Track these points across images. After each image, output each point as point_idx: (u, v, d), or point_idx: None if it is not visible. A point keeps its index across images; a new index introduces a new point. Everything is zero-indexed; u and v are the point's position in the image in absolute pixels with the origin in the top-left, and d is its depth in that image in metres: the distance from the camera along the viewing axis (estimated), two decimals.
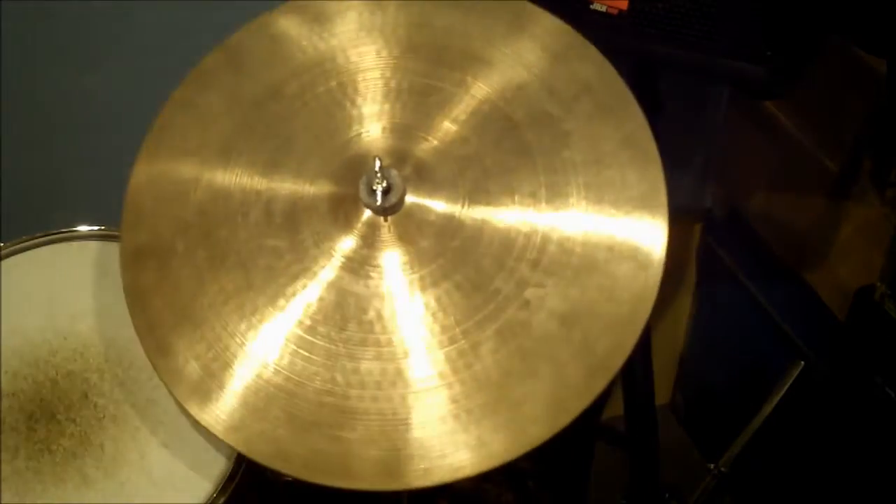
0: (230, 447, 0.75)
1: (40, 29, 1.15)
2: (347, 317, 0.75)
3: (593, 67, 0.81)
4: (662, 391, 1.70)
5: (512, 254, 0.75)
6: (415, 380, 0.72)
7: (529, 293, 0.74)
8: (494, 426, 0.70)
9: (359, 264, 0.77)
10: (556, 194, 0.77)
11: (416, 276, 0.76)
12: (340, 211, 0.79)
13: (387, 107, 0.83)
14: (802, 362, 1.14)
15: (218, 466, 0.82)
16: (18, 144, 1.23)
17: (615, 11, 0.89)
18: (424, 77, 0.83)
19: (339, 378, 0.73)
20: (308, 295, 0.76)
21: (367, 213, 0.78)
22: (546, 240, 0.76)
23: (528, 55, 0.82)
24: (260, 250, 0.78)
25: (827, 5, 0.88)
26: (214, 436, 0.73)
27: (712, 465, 1.17)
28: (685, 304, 1.59)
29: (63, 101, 1.22)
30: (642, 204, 0.75)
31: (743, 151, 1.40)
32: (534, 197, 0.77)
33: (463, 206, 0.77)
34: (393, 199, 0.76)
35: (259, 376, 0.74)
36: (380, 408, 0.71)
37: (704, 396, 1.64)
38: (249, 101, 0.84)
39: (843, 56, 1.09)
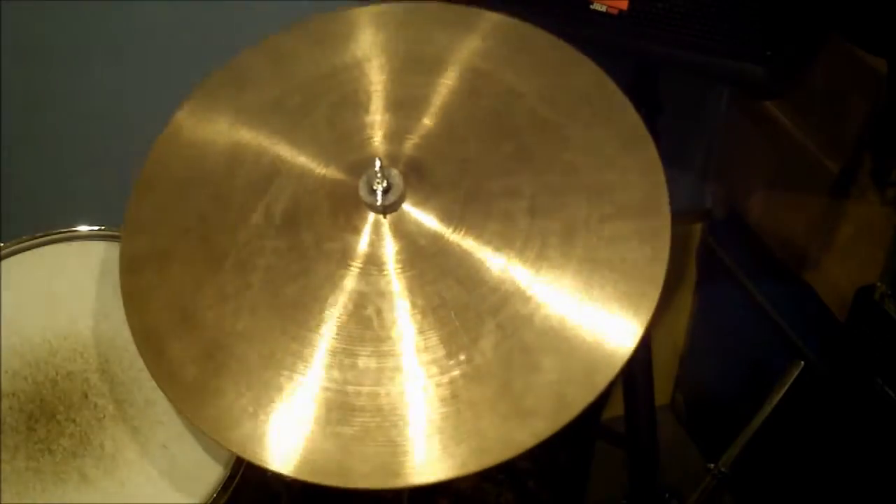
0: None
1: (40, 29, 1.15)
2: (346, 313, 0.75)
3: (591, 79, 0.82)
4: (662, 391, 1.70)
5: (514, 247, 0.76)
6: (414, 376, 0.72)
7: (531, 288, 0.74)
8: (497, 421, 0.70)
9: (358, 262, 0.77)
10: (555, 196, 0.77)
11: (415, 272, 0.76)
12: (341, 211, 0.79)
13: (387, 116, 0.84)
14: (802, 362, 1.14)
15: (217, 467, 0.82)
16: (18, 144, 1.23)
17: (615, 11, 0.89)
18: (421, 88, 0.85)
19: (336, 374, 0.73)
20: (307, 293, 0.76)
21: (367, 213, 0.78)
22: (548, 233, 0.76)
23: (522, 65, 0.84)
24: (260, 252, 0.78)
25: (827, 5, 0.88)
26: None
27: (712, 465, 1.16)
28: (685, 304, 1.59)
29: (63, 101, 1.22)
30: (644, 208, 0.76)
31: (743, 151, 1.40)
32: (533, 199, 0.77)
33: (463, 207, 0.78)
34: (392, 198, 0.77)
35: (255, 376, 0.74)
36: (378, 404, 0.71)
37: (704, 396, 1.64)
38: (253, 112, 0.86)
39: (843, 56, 1.09)
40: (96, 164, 1.27)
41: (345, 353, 0.74)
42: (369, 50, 0.88)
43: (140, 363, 0.85)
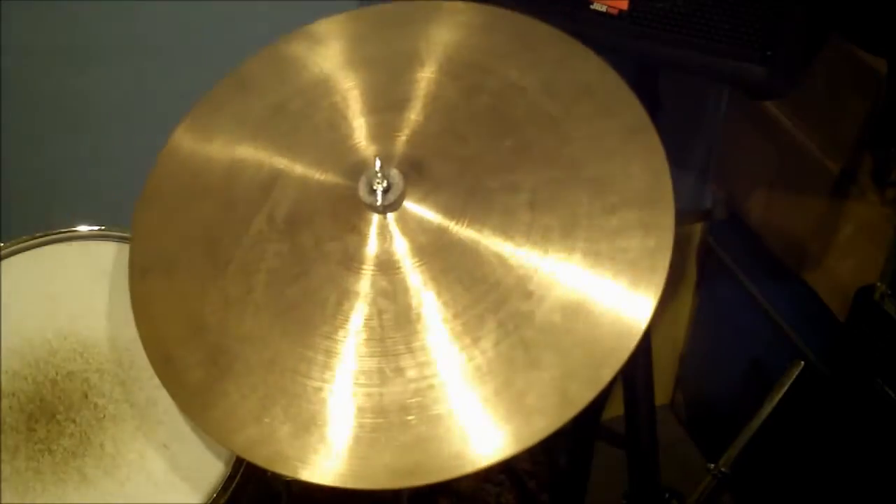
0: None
1: (40, 29, 1.15)
2: (348, 314, 0.75)
3: (593, 71, 0.82)
4: (662, 391, 1.70)
5: (515, 241, 0.75)
6: (414, 375, 0.72)
7: (532, 284, 0.74)
8: (499, 419, 0.70)
9: (359, 263, 0.77)
10: (556, 189, 0.77)
11: (416, 271, 0.76)
12: (341, 212, 0.79)
13: (388, 116, 0.84)
14: (802, 362, 1.14)
15: (218, 466, 0.82)
16: (18, 144, 1.23)
17: (615, 11, 0.89)
18: (411, 84, 0.85)
19: (338, 376, 0.73)
20: (309, 295, 0.76)
21: (367, 213, 0.78)
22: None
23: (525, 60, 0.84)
24: (262, 255, 0.79)
25: (827, 5, 0.88)
26: None
27: (712, 465, 1.17)
28: (685, 304, 1.59)
29: (63, 100, 1.22)
30: (647, 198, 0.75)
31: (743, 151, 1.40)
32: (534, 192, 0.77)
33: (464, 202, 0.78)
34: (392, 197, 0.77)
35: (258, 377, 0.74)
36: (378, 404, 0.71)
37: (704, 396, 1.64)
38: (257, 117, 0.86)
39: (843, 56, 1.09)
40: (96, 164, 1.27)
41: (346, 353, 0.74)
42: (356, 54, 0.89)
43: (140, 363, 0.86)
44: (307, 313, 0.76)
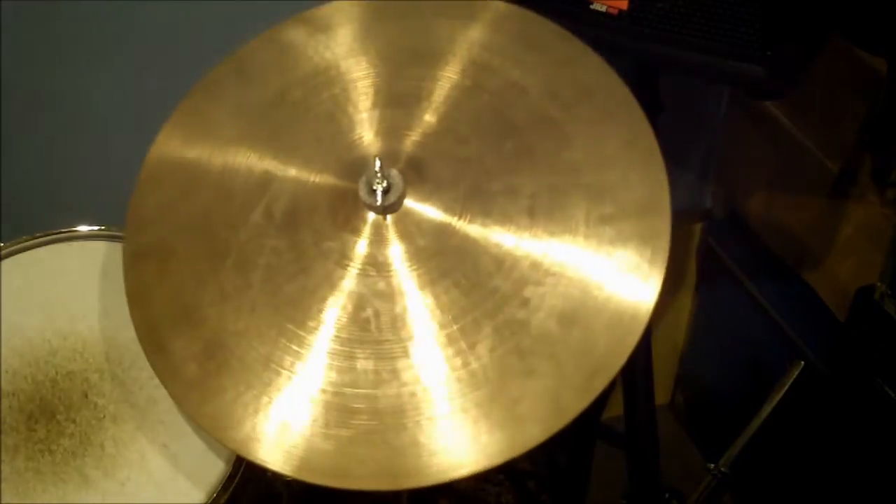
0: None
1: (40, 29, 1.15)
2: (344, 315, 0.75)
3: (595, 73, 0.81)
4: (662, 391, 1.70)
5: (512, 245, 0.75)
6: (411, 378, 0.72)
7: (529, 291, 0.74)
8: (492, 425, 0.70)
9: (357, 263, 0.77)
10: (554, 195, 0.77)
11: (413, 274, 0.76)
12: (340, 211, 0.79)
13: (387, 112, 0.83)
14: (802, 362, 1.14)
15: (218, 466, 0.82)
16: (19, 144, 1.23)
17: (615, 11, 0.89)
18: (420, 81, 0.84)
19: (334, 376, 0.73)
20: (306, 294, 0.76)
21: (366, 213, 0.78)
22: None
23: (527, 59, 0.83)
24: (260, 250, 0.78)
25: (827, 5, 0.88)
26: None
27: (712, 465, 1.16)
28: (685, 304, 1.59)
29: (64, 101, 1.22)
30: (645, 207, 0.75)
31: (743, 151, 1.40)
32: (533, 198, 0.77)
33: (463, 206, 0.77)
34: (392, 198, 0.77)
35: (255, 375, 0.74)
36: (376, 407, 0.71)
37: (704, 396, 1.64)
38: (255, 107, 0.85)
39: (843, 56, 1.09)
40: (95, 164, 1.27)
41: (343, 354, 0.74)
42: (363, 44, 0.87)
43: (140, 363, 0.86)
44: (304, 312, 0.75)
